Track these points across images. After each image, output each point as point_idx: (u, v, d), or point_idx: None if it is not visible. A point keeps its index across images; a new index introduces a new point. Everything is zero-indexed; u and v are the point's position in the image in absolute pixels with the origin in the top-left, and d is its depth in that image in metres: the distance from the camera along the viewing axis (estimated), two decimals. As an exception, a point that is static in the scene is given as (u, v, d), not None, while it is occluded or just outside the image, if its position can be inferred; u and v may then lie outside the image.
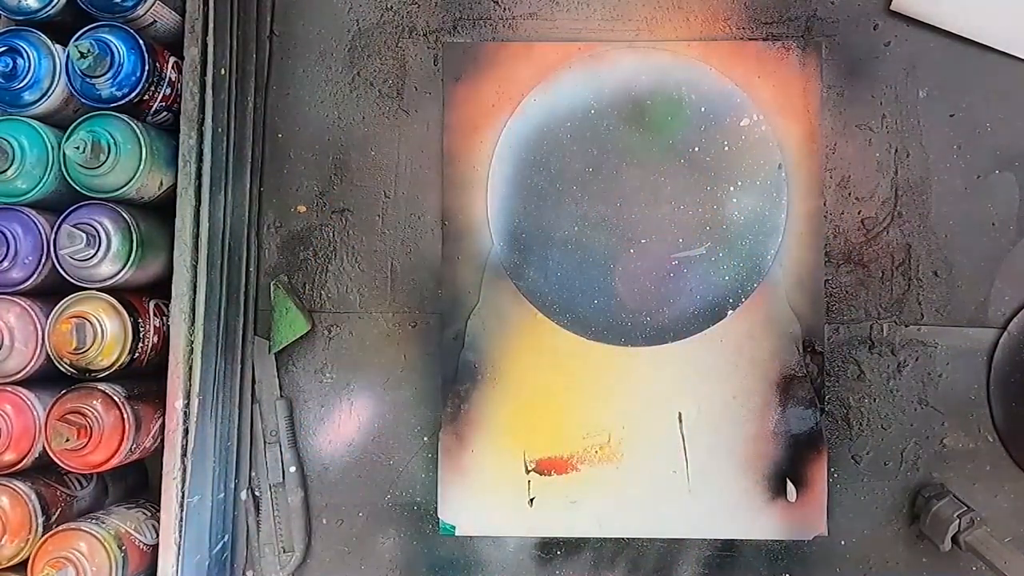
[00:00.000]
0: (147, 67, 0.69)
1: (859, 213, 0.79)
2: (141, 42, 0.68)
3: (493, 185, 0.79)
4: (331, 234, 0.81)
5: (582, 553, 0.78)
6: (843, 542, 0.78)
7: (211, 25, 0.72)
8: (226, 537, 0.76)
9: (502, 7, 0.81)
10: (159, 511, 0.69)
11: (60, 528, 0.67)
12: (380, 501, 0.79)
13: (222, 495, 0.75)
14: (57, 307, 0.67)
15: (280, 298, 0.79)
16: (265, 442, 0.79)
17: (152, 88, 0.70)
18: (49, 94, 0.68)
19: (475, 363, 0.78)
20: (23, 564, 0.66)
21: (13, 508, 0.66)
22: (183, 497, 0.70)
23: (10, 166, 0.66)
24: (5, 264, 0.66)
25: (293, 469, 0.78)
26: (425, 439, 0.79)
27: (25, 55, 0.67)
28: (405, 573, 0.79)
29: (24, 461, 0.67)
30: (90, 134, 0.66)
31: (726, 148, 0.78)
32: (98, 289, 0.68)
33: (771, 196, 0.78)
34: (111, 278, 0.68)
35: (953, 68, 0.79)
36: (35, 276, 0.67)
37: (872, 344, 0.78)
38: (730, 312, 0.78)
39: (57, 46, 0.68)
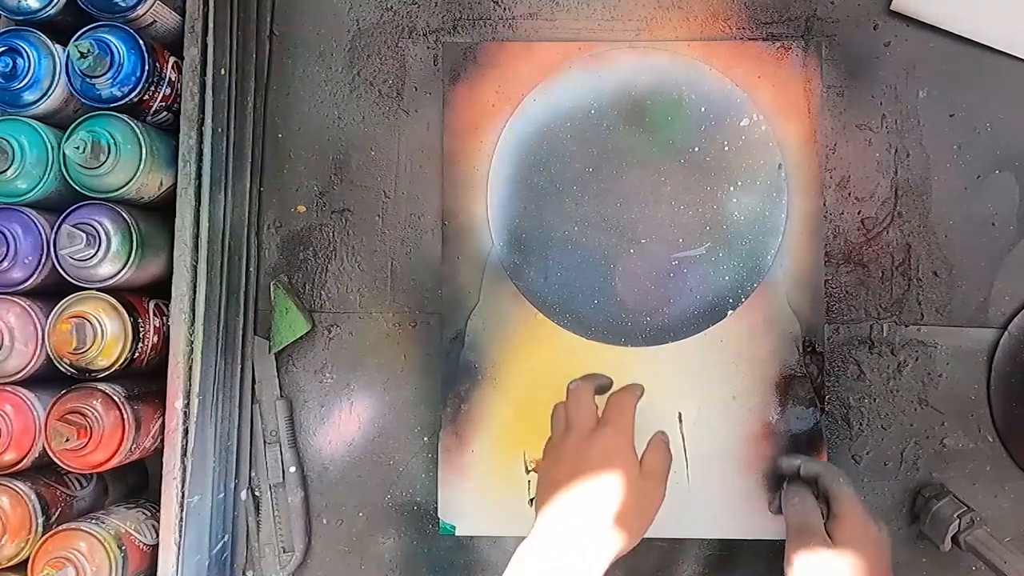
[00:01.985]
0: (147, 67, 0.69)
1: (859, 213, 0.79)
2: (141, 42, 0.68)
3: (493, 185, 0.79)
4: (331, 234, 0.81)
5: (582, 553, 0.78)
6: (843, 542, 0.78)
7: (211, 25, 0.72)
8: (226, 537, 0.76)
9: (502, 7, 0.81)
10: (159, 511, 0.69)
11: (60, 528, 0.67)
12: (380, 501, 0.79)
13: (222, 495, 0.75)
14: (57, 307, 0.67)
15: (280, 298, 0.79)
16: (265, 442, 0.79)
17: (152, 88, 0.70)
18: (49, 94, 0.68)
19: (475, 363, 0.78)
20: (23, 564, 0.66)
21: (13, 508, 0.66)
22: (183, 497, 0.70)
23: (10, 166, 0.66)
24: (5, 264, 0.66)
25: (293, 469, 0.78)
26: (425, 439, 0.79)
27: (25, 55, 0.67)
28: (405, 573, 0.79)
29: (24, 461, 0.67)
30: (90, 134, 0.66)
31: (726, 148, 0.78)
32: (98, 289, 0.68)
33: (771, 196, 0.78)
34: (111, 278, 0.68)
35: (953, 68, 0.79)
36: (35, 276, 0.67)
37: (872, 344, 0.78)
38: (730, 312, 0.78)
39: (57, 46, 0.68)
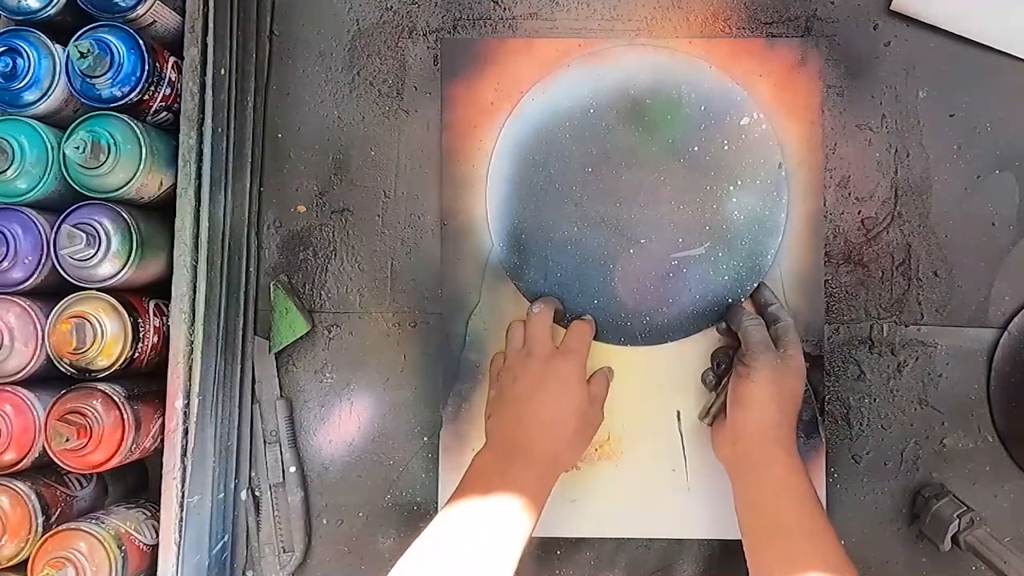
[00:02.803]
0: (147, 67, 0.69)
1: (859, 213, 0.79)
2: (141, 42, 0.68)
3: (493, 184, 0.79)
4: (331, 234, 0.81)
5: (582, 553, 0.78)
6: (843, 542, 0.77)
7: (211, 25, 0.72)
8: (226, 537, 0.76)
9: (502, 7, 0.81)
10: (159, 511, 0.69)
11: (60, 528, 0.67)
12: (380, 501, 0.79)
13: (222, 495, 0.75)
14: (57, 307, 0.67)
15: (280, 298, 0.79)
16: (265, 442, 0.79)
17: (152, 88, 0.70)
18: (49, 94, 0.68)
19: (476, 363, 0.78)
20: (23, 564, 0.66)
21: (13, 508, 0.66)
22: (183, 497, 0.70)
23: (10, 166, 0.66)
24: (5, 264, 0.66)
25: (293, 469, 0.78)
26: (425, 439, 0.79)
27: (25, 55, 0.67)
28: (405, 573, 0.79)
29: (24, 461, 0.67)
30: (90, 134, 0.66)
31: (726, 147, 0.78)
32: (98, 289, 0.68)
33: (771, 196, 0.78)
34: (111, 278, 0.68)
35: (953, 68, 0.79)
36: (35, 276, 0.67)
37: (872, 344, 0.78)
38: (730, 312, 0.78)
39: (57, 46, 0.68)
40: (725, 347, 0.77)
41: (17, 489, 0.66)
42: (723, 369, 0.77)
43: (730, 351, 0.76)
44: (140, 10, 0.69)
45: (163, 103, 0.72)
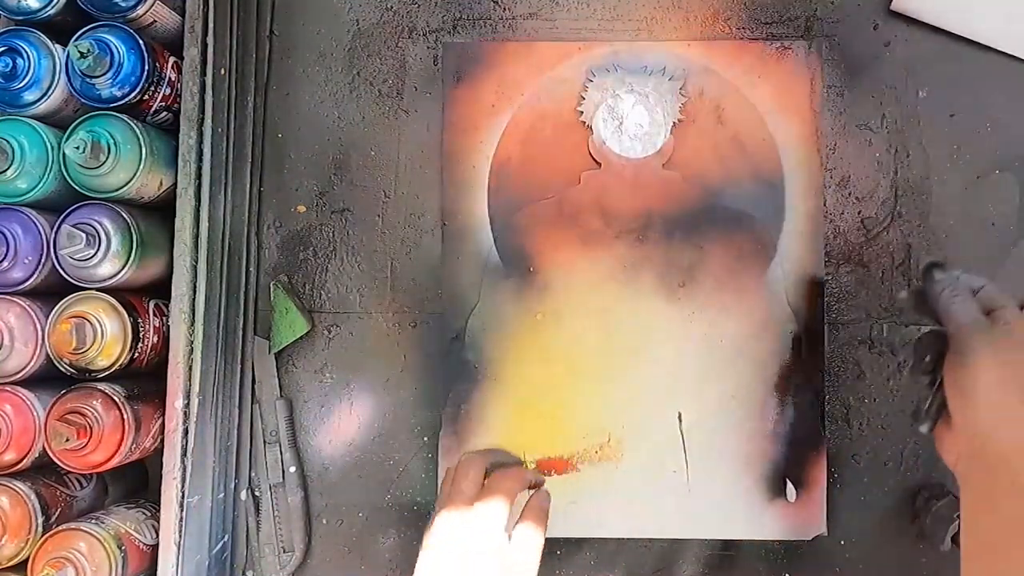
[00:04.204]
0: (147, 67, 0.69)
1: (859, 213, 0.79)
2: (141, 42, 0.68)
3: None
4: (331, 234, 0.81)
5: (582, 553, 0.78)
6: (843, 542, 0.78)
7: (211, 25, 0.73)
8: (226, 537, 0.76)
9: (502, 7, 0.81)
10: (159, 511, 0.69)
11: (60, 528, 0.67)
12: (380, 501, 0.79)
13: (222, 495, 0.75)
14: (57, 307, 0.67)
15: (280, 298, 0.79)
16: (265, 442, 0.79)
17: (152, 88, 0.70)
18: (49, 94, 0.68)
19: (475, 363, 0.78)
20: (23, 564, 0.66)
21: (13, 508, 0.66)
22: (183, 497, 0.70)
23: (10, 166, 0.66)
24: (5, 264, 0.66)
25: (293, 469, 0.78)
26: (425, 439, 0.79)
27: (25, 55, 0.67)
28: (405, 573, 0.79)
29: (24, 461, 0.67)
30: (90, 134, 0.66)
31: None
32: (98, 289, 0.68)
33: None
34: (111, 278, 0.68)
35: (953, 68, 0.79)
36: (35, 276, 0.67)
37: (872, 344, 0.78)
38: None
39: (57, 46, 0.68)
40: (930, 333, 0.63)
41: (17, 489, 0.66)
42: (931, 361, 0.62)
43: (938, 336, 0.62)
44: (140, 10, 0.70)
45: (163, 103, 0.72)
